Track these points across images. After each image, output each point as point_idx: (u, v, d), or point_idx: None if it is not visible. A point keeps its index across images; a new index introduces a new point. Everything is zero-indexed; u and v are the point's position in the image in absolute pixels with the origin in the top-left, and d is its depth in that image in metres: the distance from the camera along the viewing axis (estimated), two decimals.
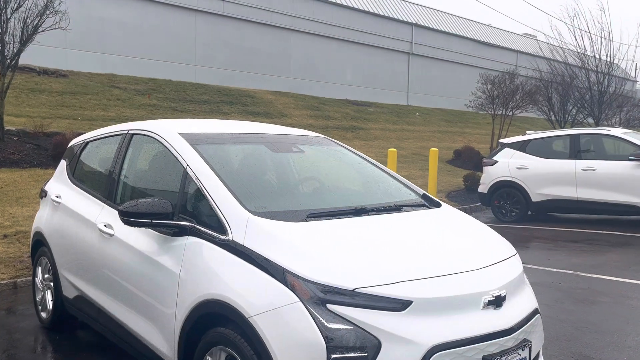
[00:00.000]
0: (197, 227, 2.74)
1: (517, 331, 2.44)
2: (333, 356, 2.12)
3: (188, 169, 2.94)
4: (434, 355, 2.17)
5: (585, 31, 19.32)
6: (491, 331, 2.33)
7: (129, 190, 3.51)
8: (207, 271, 2.57)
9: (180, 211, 2.87)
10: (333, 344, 2.13)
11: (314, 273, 2.26)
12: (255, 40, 24.01)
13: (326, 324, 2.16)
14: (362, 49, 28.42)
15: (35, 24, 10.63)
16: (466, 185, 13.57)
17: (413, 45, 30.83)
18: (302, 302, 2.21)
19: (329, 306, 2.19)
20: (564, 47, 19.99)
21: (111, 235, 3.29)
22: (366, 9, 28.65)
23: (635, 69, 42.98)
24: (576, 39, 19.54)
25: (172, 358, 2.76)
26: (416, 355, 2.15)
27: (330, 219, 2.73)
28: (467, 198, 12.70)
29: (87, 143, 4.31)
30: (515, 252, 2.94)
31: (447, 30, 33.18)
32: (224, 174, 2.90)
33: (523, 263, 6.17)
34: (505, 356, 2.36)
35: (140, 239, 3.03)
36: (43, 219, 4.32)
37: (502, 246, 2.88)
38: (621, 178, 9.01)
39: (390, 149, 10.57)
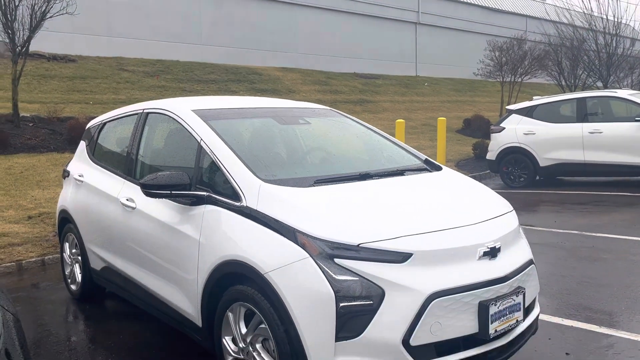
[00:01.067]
0: (214, 196, 2.96)
1: (511, 279, 2.64)
2: (342, 304, 2.35)
3: (202, 143, 3.15)
4: (433, 301, 2.38)
5: None
6: (486, 279, 2.54)
7: (147, 166, 3.74)
8: (224, 235, 2.79)
9: (197, 182, 3.08)
10: (341, 293, 2.35)
11: (322, 231, 2.47)
12: (261, 17, 23.95)
13: (334, 276, 2.38)
14: (368, 20, 28.22)
15: (43, 10, 10.80)
16: (475, 153, 13.68)
17: (420, 15, 30.51)
18: (312, 258, 2.43)
19: (337, 260, 2.41)
20: (571, 9, 19.72)
21: (133, 208, 3.53)
22: None
23: None
24: (583, 1, 19.25)
25: (196, 317, 3.01)
26: (417, 302, 2.37)
27: (336, 183, 2.93)
28: (477, 166, 12.82)
29: (104, 124, 4.53)
30: (512, 209, 3.12)
31: None
32: (236, 146, 3.10)
33: (530, 226, 6.38)
34: (500, 301, 2.57)
35: (161, 209, 3.26)
36: (68, 198, 4.58)
37: (498, 203, 3.06)
38: (628, 139, 9.07)
39: (398, 120, 10.71)
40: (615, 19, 19.03)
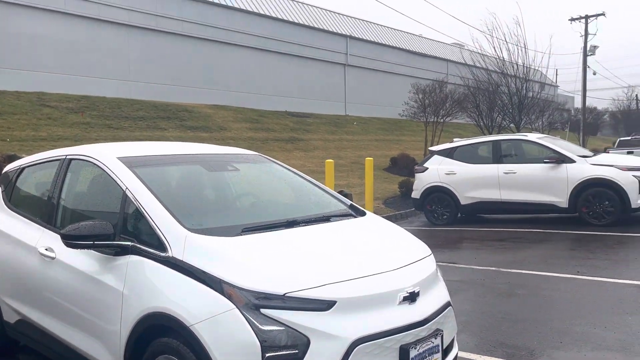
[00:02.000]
0: (138, 246, 2.93)
1: (430, 322, 2.78)
2: (267, 355, 2.38)
3: (127, 192, 3.13)
4: (356, 348, 2.47)
5: (504, 41, 20.62)
6: (406, 323, 2.66)
7: (69, 214, 3.63)
8: (149, 286, 2.76)
9: (121, 232, 3.04)
10: (267, 344, 2.39)
11: (248, 281, 2.51)
12: (191, 54, 23.95)
13: (260, 326, 2.42)
14: (299, 61, 28.94)
15: None
16: (402, 191, 14.18)
17: (348, 57, 31.68)
18: (238, 309, 2.46)
19: (263, 310, 2.45)
20: (486, 56, 21.24)
21: (53, 258, 3.40)
22: (301, 22, 29.20)
23: (556, 74, 45.96)
24: (495, 50, 20.82)
25: None
26: (341, 348, 2.45)
27: (263, 232, 2.99)
28: (403, 204, 13.28)
29: (23, 169, 4.36)
30: (430, 252, 3.30)
31: (380, 42, 34.30)
32: (162, 194, 3.10)
33: (452, 263, 6.67)
34: (420, 344, 2.70)
35: (82, 260, 3.17)
36: None
37: (417, 248, 3.24)
38: (539, 179, 9.79)
39: (327, 160, 10.96)
40: (525, 66, 20.67)
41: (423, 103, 19.52)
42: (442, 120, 19.87)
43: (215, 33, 24.79)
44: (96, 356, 3.07)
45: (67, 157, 3.81)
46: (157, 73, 22.96)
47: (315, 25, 30.11)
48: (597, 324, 4.58)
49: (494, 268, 6.77)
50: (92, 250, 3.10)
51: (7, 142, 14.71)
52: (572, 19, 31.79)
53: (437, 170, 10.75)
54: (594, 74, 35.27)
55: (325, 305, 2.51)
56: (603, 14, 31.38)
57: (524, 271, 6.56)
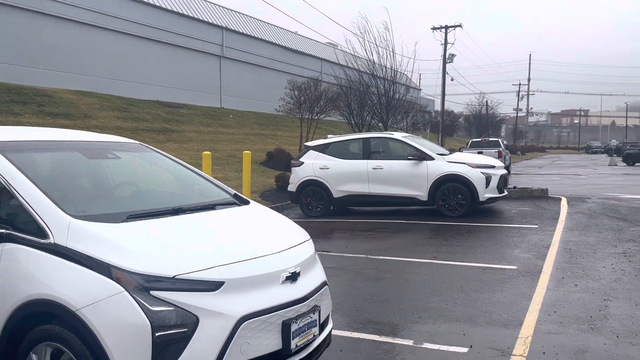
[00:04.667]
0: (14, 233, 2.82)
1: (309, 299, 3.05)
2: (157, 334, 2.47)
3: (1, 179, 2.98)
4: (243, 324, 2.65)
5: (374, 45, 21.91)
6: (288, 300, 2.90)
7: None
8: (28, 274, 2.69)
9: None
10: (157, 324, 2.48)
11: (137, 265, 2.58)
12: (54, 36, 22.08)
13: (150, 307, 2.50)
14: (173, 49, 28.00)
15: None
16: (278, 185, 14.50)
17: (224, 49, 31.34)
18: (128, 292, 2.51)
19: (152, 292, 2.53)
20: (358, 57, 22.40)
21: None
22: (176, 10, 28.28)
23: (420, 79, 49.63)
24: (366, 52, 22.04)
25: None
26: (229, 325, 2.61)
27: (149, 218, 3.04)
28: (279, 197, 13.61)
29: None
30: (309, 237, 3.58)
31: (257, 36, 34.37)
32: (40, 181, 3.01)
33: (326, 251, 7.07)
34: (300, 319, 2.95)
35: None
36: None
37: (298, 233, 3.50)
38: (403, 175, 10.68)
39: (204, 152, 10.89)
40: (393, 69, 22.14)
41: (299, 100, 20.03)
42: (316, 117, 20.55)
43: (82, 14, 23.12)
44: None
45: None
46: (12, 53, 20.84)
47: (192, 15, 29.35)
48: (449, 301, 5.23)
49: (363, 255, 7.32)
50: None
51: None
52: (434, 28, 34.54)
53: (312, 165, 11.23)
54: (452, 79, 38.76)
55: (213, 286, 2.66)
56: (460, 25, 34.53)
57: (389, 257, 7.19)
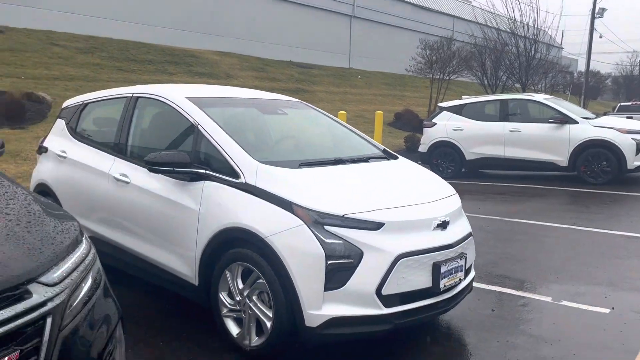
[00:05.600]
0: (212, 173, 3.44)
1: (456, 246, 3.34)
2: (329, 262, 2.94)
3: (199, 127, 3.61)
4: (400, 261, 3.03)
5: (516, 1, 20.65)
6: (439, 245, 3.22)
7: (140, 146, 4.12)
8: (225, 206, 3.30)
9: (194, 161, 3.55)
10: (329, 253, 2.95)
11: (314, 204, 3.05)
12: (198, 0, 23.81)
13: (324, 239, 2.97)
14: (305, 10, 28.73)
15: None
16: (407, 145, 14.67)
17: (355, 9, 31.42)
18: (306, 225, 3.00)
19: (326, 227, 3.00)
20: (497, 15, 21.30)
21: (127, 182, 3.92)
22: None
23: (562, 37, 45.74)
24: (507, 10, 20.86)
25: (193, 277, 3.49)
26: (388, 260, 3.01)
27: (317, 166, 3.51)
28: (408, 158, 13.73)
29: (86, 104, 4.81)
30: (456, 192, 3.85)
31: None
32: (230, 131, 3.59)
33: None
34: (449, 263, 3.27)
35: (157, 184, 3.69)
36: (47, 172, 4.82)
37: (445, 187, 3.78)
38: (542, 138, 10.31)
39: (340, 112, 11.39)
40: (535, 27, 20.79)
41: (430, 59, 19.72)
42: (447, 77, 20.13)
43: None
44: (172, 265, 3.63)
45: (134, 95, 4.26)
46: (164, 17, 22.87)
47: None
48: (589, 265, 5.20)
49: (496, 217, 7.38)
50: (166, 177, 3.61)
51: (22, 79, 14.96)
52: None
53: (445, 126, 11.23)
54: (600, 37, 35.24)
55: (375, 225, 3.05)
56: None
57: (524, 220, 7.17)
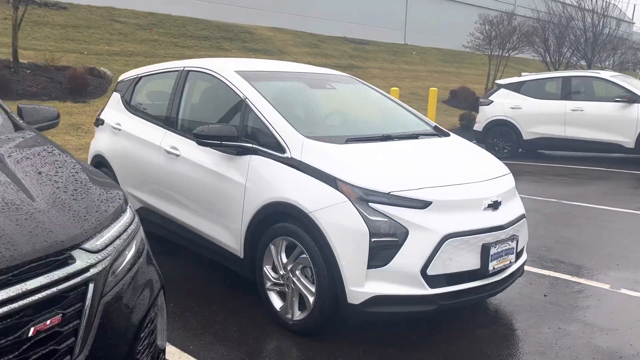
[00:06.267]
0: (258, 147, 3.44)
1: (507, 228, 3.21)
2: (373, 239, 2.89)
3: (247, 101, 3.60)
4: (447, 241, 2.94)
5: None
6: (489, 226, 3.10)
7: (190, 119, 4.17)
8: (270, 180, 3.29)
9: (242, 135, 3.55)
10: (373, 230, 2.89)
11: (359, 180, 2.99)
12: None
13: (369, 216, 2.91)
14: None
15: None
16: (461, 124, 14.25)
17: None
18: (351, 201, 2.95)
19: (371, 204, 2.94)
20: None
21: (177, 155, 3.98)
22: None
23: (634, 10, 42.86)
24: None
25: (239, 250, 3.52)
26: (434, 240, 2.92)
27: (364, 142, 3.44)
28: (463, 136, 13.35)
29: (140, 78, 4.91)
30: (509, 171, 3.68)
31: None
32: (278, 105, 3.56)
33: None
34: (499, 245, 3.14)
35: (206, 157, 3.72)
36: (103, 144, 4.98)
37: (499, 166, 3.62)
38: (607, 118, 9.74)
39: (392, 88, 11.17)
40: (604, 0, 19.56)
41: (489, 35, 18.95)
42: (507, 54, 19.31)
43: None
44: (219, 237, 3.68)
45: (185, 68, 4.30)
46: None
47: None
48: None
49: (554, 200, 7.07)
50: (214, 150, 3.63)
51: (85, 54, 15.50)
52: None
53: (503, 104, 10.80)
54: None
55: (422, 204, 2.96)
56: None
57: (584, 204, 6.84)
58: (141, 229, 2.04)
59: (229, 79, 3.81)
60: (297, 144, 3.26)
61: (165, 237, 4.41)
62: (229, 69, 3.91)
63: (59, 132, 8.87)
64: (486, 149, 11.33)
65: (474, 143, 12.00)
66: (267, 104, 3.52)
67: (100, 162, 5.02)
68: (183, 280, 4.10)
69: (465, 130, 13.68)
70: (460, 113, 15.14)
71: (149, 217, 4.48)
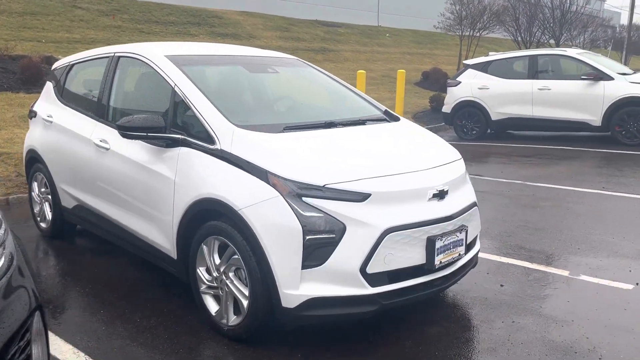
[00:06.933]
0: (188, 139, 3.16)
1: (455, 218, 3.00)
2: (308, 237, 2.65)
3: (176, 89, 3.31)
4: (387, 235, 2.71)
5: None
6: (434, 217, 2.88)
7: (119, 109, 3.86)
8: (200, 175, 3.02)
9: (171, 126, 3.26)
10: (308, 228, 2.65)
11: (291, 173, 2.74)
12: None
13: (302, 212, 2.67)
14: None
15: None
16: (432, 106, 14.07)
17: None
18: (282, 196, 2.70)
19: (304, 199, 2.69)
20: None
21: (107, 149, 3.68)
22: None
23: None
24: None
25: (172, 250, 3.26)
26: (374, 235, 2.70)
27: (303, 130, 3.18)
28: (433, 118, 13.24)
29: (72, 65, 4.56)
30: (460, 157, 3.46)
31: None
32: (209, 92, 3.28)
33: (479, 175, 6.83)
34: (446, 237, 2.93)
35: (136, 151, 3.43)
36: (36, 138, 4.64)
37: (448, 151, 3.40)
38: (574, 96, 9.62)
39: (359, 71, 10.90)
40: None
41: (460, 15, 18.75)
42: (478, 34, 19.14)
43: None
44: (152, 237, 3.41)
45: (116, 54, 3.98)
46: None
47: None
48: (615, 234, 4.77)
49: (519, 181, 6.92)
50: (144, 142, 3.34)
51: (43, 43, 14.87)
52: None
53: (470, 85, 10.62)
54: None
55: (360, 197, 2.73)
56: None
57: (549, 185, 6.70)
58: (10, 238, 1.76)
59: (158, 65, 3.51)
60: (227, 134, 2.99)
61: (102, 236, 4.12)
62: (158, 53, 3.60)
63: (8, 125, 8.42)
64: (454, 131, 11.25)
65: (441, 125, 11.91)
66: (196, 90, 3.24)
67: (33, 158, 4.69)
68: (120, 283, 3.83)
69: (436, 112, 13.50)
70: (431, 95, 14.95)
71: (84, 215, 4.19)
